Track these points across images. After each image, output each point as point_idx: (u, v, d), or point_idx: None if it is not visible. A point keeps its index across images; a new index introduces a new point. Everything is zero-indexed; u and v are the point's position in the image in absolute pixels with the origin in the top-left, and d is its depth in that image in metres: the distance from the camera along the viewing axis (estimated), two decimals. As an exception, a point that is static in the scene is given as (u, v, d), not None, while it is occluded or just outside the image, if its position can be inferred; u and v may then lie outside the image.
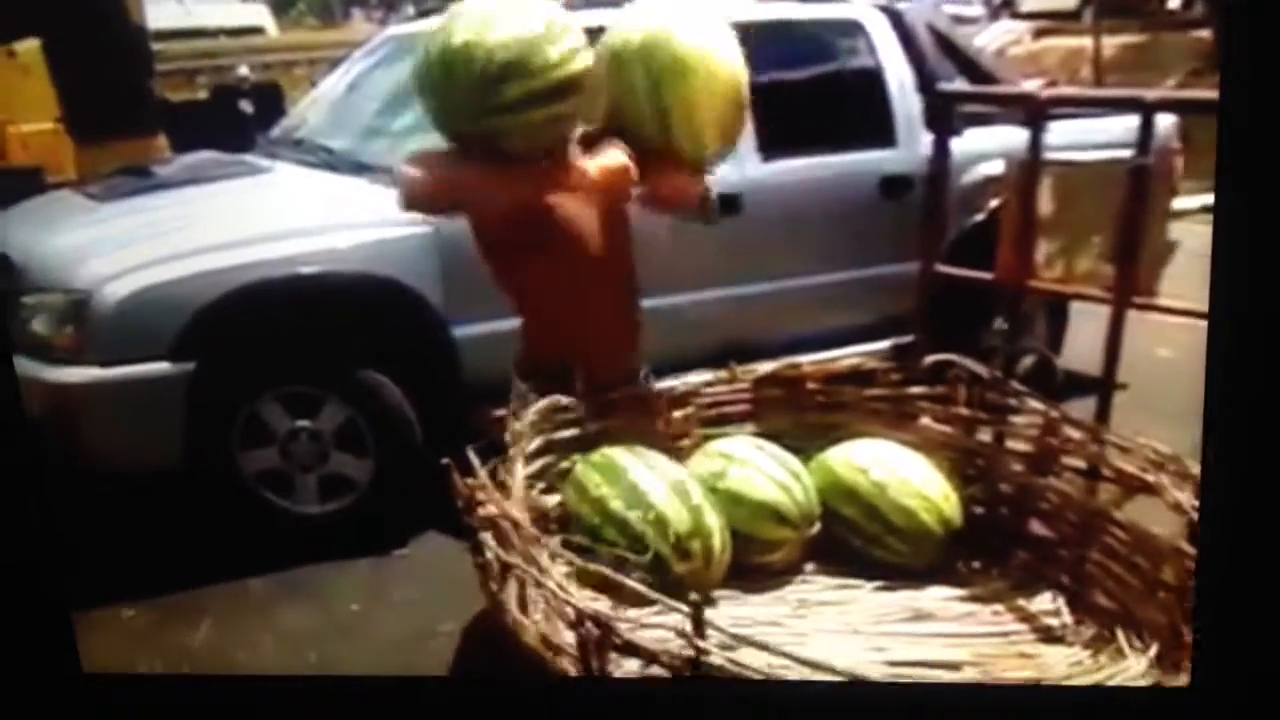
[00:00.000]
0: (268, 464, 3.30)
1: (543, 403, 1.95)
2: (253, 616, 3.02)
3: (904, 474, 2.02)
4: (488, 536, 1.57)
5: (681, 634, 1.35)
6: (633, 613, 1.55)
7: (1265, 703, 1.51)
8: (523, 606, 1.50)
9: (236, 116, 8.23)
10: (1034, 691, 1.71)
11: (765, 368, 2.20)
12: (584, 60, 1.90)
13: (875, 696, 1.64)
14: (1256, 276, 1.40)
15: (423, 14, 4.72)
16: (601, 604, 1.51)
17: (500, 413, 1.88)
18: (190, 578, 3.11)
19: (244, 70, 9.64)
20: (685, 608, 1.35)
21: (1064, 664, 1.81)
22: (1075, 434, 2.09)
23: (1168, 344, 3.63)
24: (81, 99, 6.50)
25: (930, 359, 2.22)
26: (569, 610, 1.42)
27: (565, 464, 1.95)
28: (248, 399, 3.24)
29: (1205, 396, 1.45)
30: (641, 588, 1.50)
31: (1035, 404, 2.14)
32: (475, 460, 1.68)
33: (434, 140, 3.66)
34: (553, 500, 1.92)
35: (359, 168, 3.64)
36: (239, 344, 3.16)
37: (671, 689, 1.39)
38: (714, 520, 1.83)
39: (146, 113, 6.81)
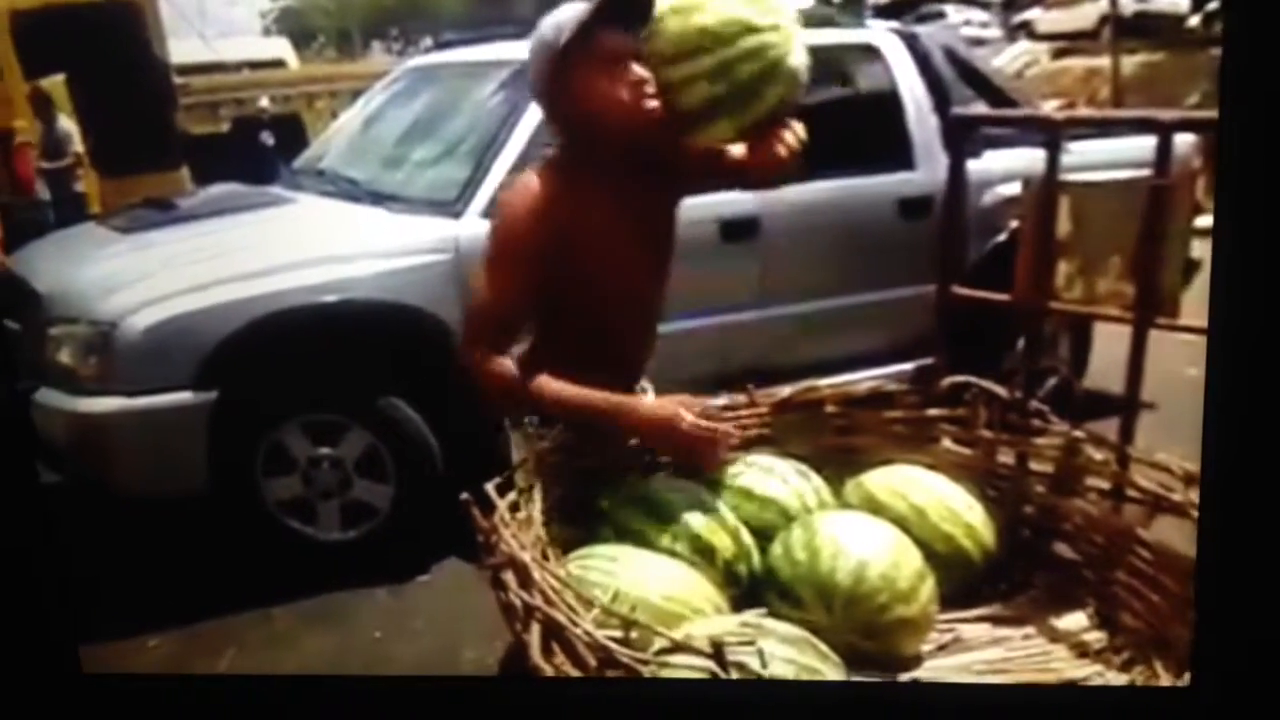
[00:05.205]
0: (290, 491, 3.31)
1: (555, 434, 1.91)
2: (275, 644, 3.03)
3: (945, 499, 1.96)
4: (509, 577, 1.53)
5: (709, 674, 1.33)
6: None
7: (1265, 703, 1.50)
8: (546, 648, 1.44)
9: (258, 148, 8.31)
10: (1034, 692, 1.70)
11: (783, 391, 2.15)
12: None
13: (883, 697, 1.64)
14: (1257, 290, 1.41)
15: (440, 46, 4.76)
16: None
17: None
18: (213, 606, 3.12)
19: (265, 102, 9.74)
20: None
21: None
22: (1097, 454, 2.03)
23: (1198, 363, 3.59)
24: (106, 133, 6.60)
25: (948, 381, 2.20)
26: (595, 650, 1.38)
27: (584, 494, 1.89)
28: (270, 427, 3.26)
29: (1205, 400, 1.47)
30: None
31: (1056, 424, 2.10)
32: (495, 496, 1.65)
33: (448, 169, 3.63)
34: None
35: (380, 198, 3.68)
36: (261, 373, 3.18)
37: (680, 689, 1.37)
38: (749, 539, 1.80)
39: (170, 146, 6.90)
